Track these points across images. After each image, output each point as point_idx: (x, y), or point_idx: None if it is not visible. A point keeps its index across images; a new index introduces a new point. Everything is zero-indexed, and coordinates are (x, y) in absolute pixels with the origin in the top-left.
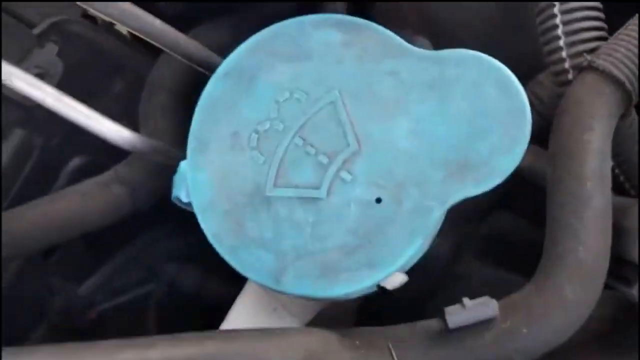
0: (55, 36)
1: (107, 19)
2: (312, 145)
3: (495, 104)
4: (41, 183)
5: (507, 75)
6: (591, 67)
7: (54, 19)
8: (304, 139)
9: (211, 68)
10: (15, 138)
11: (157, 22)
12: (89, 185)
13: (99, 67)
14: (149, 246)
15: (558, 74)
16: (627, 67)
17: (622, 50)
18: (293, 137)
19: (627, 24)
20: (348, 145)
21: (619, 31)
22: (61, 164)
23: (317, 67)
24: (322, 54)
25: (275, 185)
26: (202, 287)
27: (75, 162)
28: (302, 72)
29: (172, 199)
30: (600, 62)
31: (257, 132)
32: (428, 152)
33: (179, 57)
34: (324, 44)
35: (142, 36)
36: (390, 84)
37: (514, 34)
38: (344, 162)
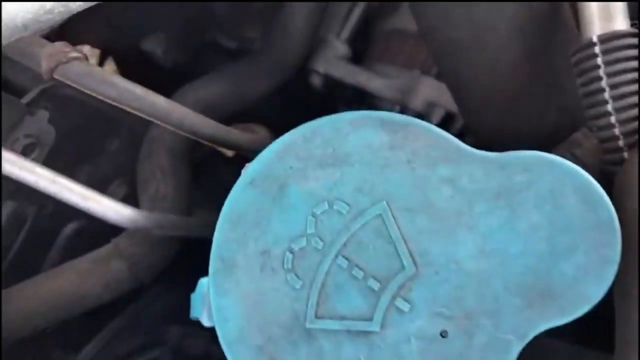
0: (47, 102)
1: (107, 100)
2: (359, 267)
3: (576, 216)
4: (37, 250)
5: (587, 181)
6: None
7: (44, 85)
8: (348, 260)
9: (220, 143)
10: (7, 208)
11: (160, 100)
12: (86, 260)
13: (94, 128)
14: (150, 304)
15: (606, 140)
16: None
17: None
18: (335, 257)
19: None
20: (403, 267)
21: None
22: (56, 231)
23: (359, 173)
24: (364, 158)
25: (317, 315)
26: (210, 350)
27: (70, 227)
28: (341, 179)
29: (190, 317)
30: None
31: (291, 250)
32: (500, 274)
33: (186, 134)
34: (365, 147)
35: (145, 116)
36: (448, 193)
37: (545, 88)
38: (400, 287)
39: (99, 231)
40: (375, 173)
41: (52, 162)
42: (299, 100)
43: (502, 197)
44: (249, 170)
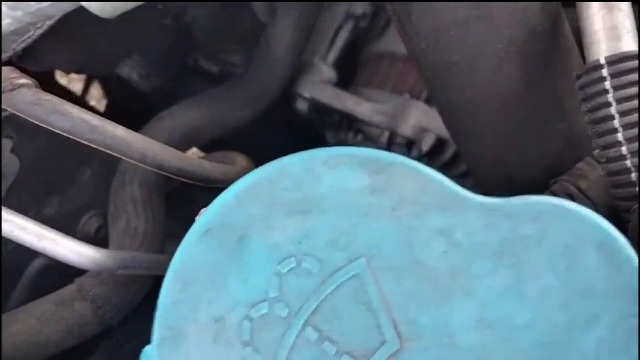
0: (9, 130)
1: (60, 133)
2: (330, 341)
3: (597, 278)
4: (1, 289)
5: (610, 235)
6: None
7: (7, 112)
8: (318, 331)
9: (189, 177)
10: None
11: (119, 131)
12: (47, 303)
13: (63, 157)
14: (123, 344)
15: (616, 173)
16: None
17: None
18: (303, 327)
19: None
20: (384, 340)
21: None
22: (22, 268)
23: (333, 223)
24: (340, 204)
25: None
26: None
27: (37, 263)
28: (312, 230)
29: None
30: None
31: (250, 318)
32: (504, 351)
33: (151, 168)
34: (341, 191)
35: (103, 149)
36: (441, 248)
37: (546, 112)
38: None
39: (68, 267)
40: (352, 223)
41: (16, 194)
42: (285, 124)
43: (506, 253)
44: (204, 217)
